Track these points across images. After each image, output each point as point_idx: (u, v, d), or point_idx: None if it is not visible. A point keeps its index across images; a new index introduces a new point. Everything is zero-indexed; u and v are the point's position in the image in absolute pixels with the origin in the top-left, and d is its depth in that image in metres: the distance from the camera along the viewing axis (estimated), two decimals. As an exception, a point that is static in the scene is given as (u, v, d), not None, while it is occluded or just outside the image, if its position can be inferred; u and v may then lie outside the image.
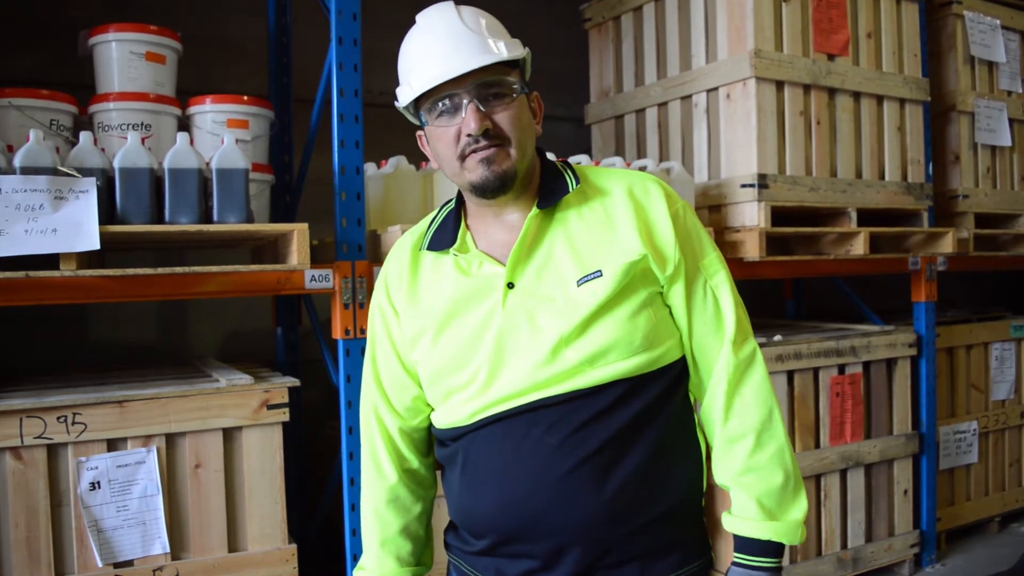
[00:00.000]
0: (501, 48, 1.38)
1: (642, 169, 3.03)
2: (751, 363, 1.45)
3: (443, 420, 1.47)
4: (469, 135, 1.35)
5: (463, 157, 1.38)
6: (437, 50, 1.37)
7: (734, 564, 1.44)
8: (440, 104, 1.38)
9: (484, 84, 1.36)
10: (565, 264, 1.40)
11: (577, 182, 1.46)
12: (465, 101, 1.35)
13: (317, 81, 2.69)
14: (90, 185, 2.12)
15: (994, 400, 4.22)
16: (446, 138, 1.38)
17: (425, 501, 1.62)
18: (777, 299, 4.79)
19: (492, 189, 1.38)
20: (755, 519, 1.42)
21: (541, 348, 1.36)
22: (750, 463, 1.43)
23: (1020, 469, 4.33)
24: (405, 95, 1.42)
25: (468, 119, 1.35)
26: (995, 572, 3.69)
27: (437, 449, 1.55)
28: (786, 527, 1.42)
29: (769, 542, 1.41)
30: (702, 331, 1.44)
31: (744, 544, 1.43)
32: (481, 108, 1.35)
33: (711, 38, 3.32)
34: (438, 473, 1.62)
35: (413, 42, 1.43)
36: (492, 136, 1.36)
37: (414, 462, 1.58)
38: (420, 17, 1.44)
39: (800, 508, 1.44)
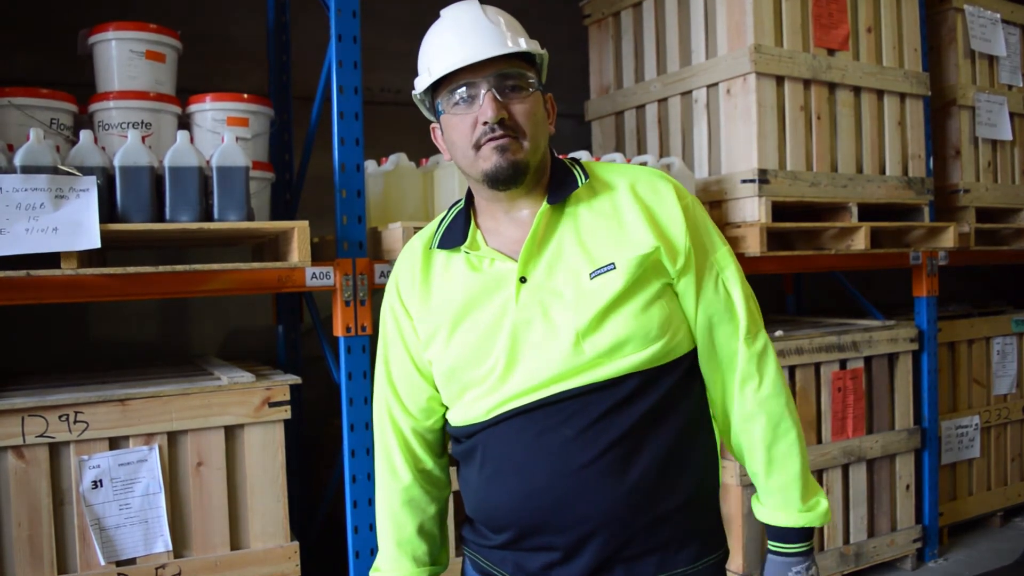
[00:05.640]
0: (521, 43, 1.42)
1: (643, 164, 3.03)
2: (764, 356, 1.48)
3: (459, 418, 1.48)
4: (485, 123, 1.37)
5: (478, 146, 1.39)
6: (459, 39, 1.40)
7: (769, 551, 1.51)
8: (458, 92, 1.40)
9: (502, 75, 1.39)
10: (576, 258, 1.41)
11: (586, 177, 1.47)
12: (483, 91, 1.38)
13: (317, 78, 2.69)
14: (90, 184, 2.12)
15: (996, 394, 4.22)
16: (462, 127, 1.40)
17: (440, 502, 1.62)
18: (778, 294, 4.79)
19: (504, 179, 1.40)
20: (783, 509, 1.48)
21: (557, 342, 1.37)
22: (771, 455, 1.47)
23: (1022, 464, 4.32)
24: (423, 82, 1.44)
25: (486, 107, 1.37)
26: (998, 567, 3.69)
27: (453, 446, 1.56)
28: (812, 512, 1.48)
29: (800, 528, 1.47)
30: (715, 323, 1.46)
31: (776, 533, 1.49)
32: (499, 98, 1.38)
33: (711, 33, 3.32)
34: (452, 472, 1.62)
35: (436, 33, 1.46)
36: (507, 126, 1.38)
37: (428, 463, 1.58)
38: (444, 12, 1.47)
39: (819, 491, 1.50)
